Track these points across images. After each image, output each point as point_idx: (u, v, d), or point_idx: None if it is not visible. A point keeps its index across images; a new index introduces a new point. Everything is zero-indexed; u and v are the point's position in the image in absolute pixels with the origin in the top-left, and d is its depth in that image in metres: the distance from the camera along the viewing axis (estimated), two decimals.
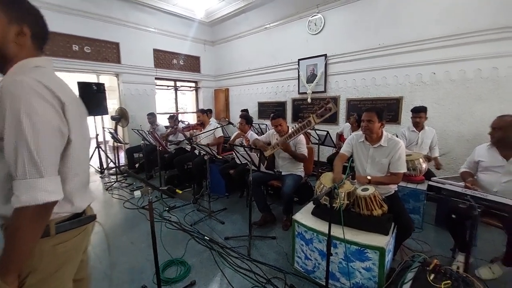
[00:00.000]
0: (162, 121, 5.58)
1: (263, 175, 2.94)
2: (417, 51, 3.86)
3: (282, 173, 2.94)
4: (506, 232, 1.81)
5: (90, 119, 4.96)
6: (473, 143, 3.24)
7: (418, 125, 3.17)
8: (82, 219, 0.93)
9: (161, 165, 3.94)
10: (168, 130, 4.80)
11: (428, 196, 2.71)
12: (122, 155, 5.66)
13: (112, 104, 6.38)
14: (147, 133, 4.10)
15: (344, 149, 2.31)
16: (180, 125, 4.90)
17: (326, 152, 4.73)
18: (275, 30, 5.81)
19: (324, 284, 1.59)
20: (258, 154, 2.56)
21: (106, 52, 5.37)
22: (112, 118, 5.06)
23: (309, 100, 5.30)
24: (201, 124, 4.09)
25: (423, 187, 2.73)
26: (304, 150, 2.84)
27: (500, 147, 1.96)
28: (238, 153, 2.79)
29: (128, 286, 1.93)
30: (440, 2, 3.58)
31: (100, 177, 4.82)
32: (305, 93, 5.32)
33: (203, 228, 2.79)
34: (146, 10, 5.69)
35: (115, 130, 5.01)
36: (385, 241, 1.66)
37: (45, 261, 0.81)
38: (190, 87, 7.45)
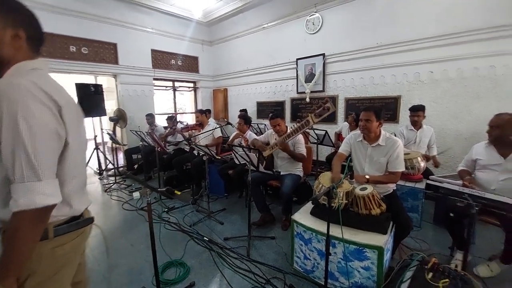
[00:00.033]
0: (161, 122, 5.57)
1: (262, 175, 2.93)
2: (415, 50, 3.86)
3: (281, 173, 2.94)
4: (504, 230, 1.82)
5: (88, 121, 4.98)
6: (471, 141, 3.24)
7: (416, 124, 3.17)
8: (80, 221, 0.93)
9: (160, 166, 3.94)
10: (167, 131, 4.79)
11: (426, 195, 2.72)
12: (120, 156, 5.65)
13: (110, 105, 6.37)
14: (145, 134, 4.09)
15: (343, 149, 2.31)
16: (179, 125, 4.89)
17: (325, 151, 4.73)
18: (273, 30, 5.81)
19: (323, 283, 1.59)
20: (257, 154, 2.56)
21: (104, 53, 5.36)
22: (111, 119, 5.05)
23: (307, 100, 5.30)
24: (200, 125, 4.09)
25: (421, 185, 2.73)
26: (302, 149, 2.84)
27: (497, 145, 1.97)
28: (237, 153, 2.79)
29: None
30: (438, 1, 3.58)
31: (99, 178, 4.81)
32: (304, 92, 5.32)
33: (202, 229, 2.79)
34: (144, 11, 5.68)
35: (114, 131, 5.00)
36: (384, 240, 1.66)
37: (44, 264, 0.81)
38: (189, 87, 7.44)
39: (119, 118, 5.03)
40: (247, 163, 2.53)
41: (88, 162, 4.72)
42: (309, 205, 2.16)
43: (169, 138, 4.69)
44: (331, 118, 4.90)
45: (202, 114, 4.16)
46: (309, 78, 5.22)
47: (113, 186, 4.31)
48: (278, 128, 2.87)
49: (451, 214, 1.94)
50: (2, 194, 0.77)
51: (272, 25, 5.76)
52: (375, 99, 4.42)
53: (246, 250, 2.31)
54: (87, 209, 1.02)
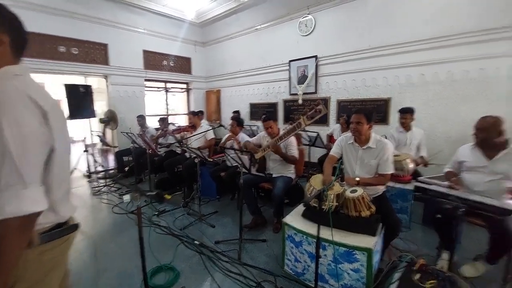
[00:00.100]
0: (153, 123, 5.51)
1: (254, 177, 2.93)
2: (406, 53, 3.93)
3: (273, 175, 2.94)
4: (489, 231, 1.86)
5: (77, 122, 4.89)
6: (460, 143, 3.29)
7: (404, 126, 3.23)
8: (65, 228, 0.93)
9: (151, 169, 3.89)
10: (158, 133, 4.73)
11: (415, 196, 2.76)
12: (111, 158, 5.55)
13: (101, 106, 6.27)
14: (136, 136, 4.04)
15: (334, 151, 2.33)
16: (171, 127, 4.84)
17: (317, 153, 4.75)
18: (266, 31, 5.83)
19: (314, 286, 1.59)
20: (249, 157, 2.56)
21: (94, 53, 5.28)
22: (101, 120, 4.96)
23: (300, 101, 5.33)
24: (192, 126, 4.06)
25: (410, 187, 2.77)
26: (294, 152, 2.85)
27: (483, 148, 2.01)
28: (229, 155, 2.78)
29: None
30: (428, 5, 3.66)
31: (88, 181, 4.71)
32: (296, 94, 5.35)
33: (193, 232, 2.76)
34: (135, 11, 5.62)
35: (104, 133, 4.91)
36: (373, 242, 1.68)
37: (31, 269, 0.81)
38: (181, 88, 7.39)
39: (110, 119, 4.95)
40: (239, 166, 2.52)
41: (76, 165, 4.63)
42: (300, 208, 2.17)
43: (161, 140, 4.64)
44: (323, 120, 4.94)
45: (195, 116, 4.14)
46: (302, 80, 5.25)
47: (103, 189, 4.22)
48: (270, 130, 2.87)
49: (438, 216, 1.98)
50: None
51: (265, 27, 5.78)
52: (366, 101, 4.48)
53: (237, 254, 2.30)
54: (72, 216, 1.00)
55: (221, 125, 4.42)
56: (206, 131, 3.87)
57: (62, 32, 4.72)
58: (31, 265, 0.81)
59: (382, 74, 4.25)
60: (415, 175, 2.92)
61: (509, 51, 3.17)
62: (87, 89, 4.69)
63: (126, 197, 3.07)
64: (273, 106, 5.92)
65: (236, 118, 3.68)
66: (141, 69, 6.01)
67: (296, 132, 2.54)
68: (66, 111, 4.29)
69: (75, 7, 4.77)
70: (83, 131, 4.87)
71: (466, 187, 2.03)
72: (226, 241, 2.55)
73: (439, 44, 3.63)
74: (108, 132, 5.42)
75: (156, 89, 6.78)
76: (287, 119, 5.63)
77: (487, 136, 1.91)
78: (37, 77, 7.06)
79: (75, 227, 0.99)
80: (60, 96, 4.72)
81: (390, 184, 2.72)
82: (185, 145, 3.52)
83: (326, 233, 1.64)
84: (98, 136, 4.66)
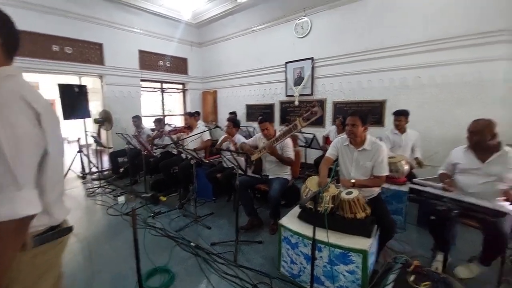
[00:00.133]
0: (149, 124, 5.46)
1: (250, 179, 2.93)
2: (401, 56, 3.98)
3: (269, 177, 2.94)
4: (482, 232, 1.88)
5: (71, 122, 4.83)
6: (456, 145, 3.35)
7: (398, 128, 3.26)
8: (59, 231, 0.93)
9: (146, 170, 3.85)
10: (154, 133, 4.70)
11: (410, 198, 2.78)
12: (105, 159, 5.49)
13: (95, 106, 6.20)
14: (131, 137, 4.00)
15: (330, 153, 2.34)
16: (167, 128, 4.81)
17: (313, 154, 4.77)
18: (262, 33, 5.84)
19: None
20: (245, 158, 2.55)
21: (89, 53, 5.22)
22: (96, 121, 4.90)
23: (296, 103, 5.35)
24: (189, 127, 4.04)
25: (405, 188, 2.80)
26: (290, 153, 2.85)
27: (476, 150, 2.03)
28: (225, 157, 2.78)
29: None
30: (424, 8, 3.72)
31: (82, 182, 4.65)
32: (293, 95, 5.37)
33: (189, 234, 2.74)
34: (131, 11, 5.58)
35: (98, 133, 4.86)
36: (368, 244, 1.69)
37: (24, 272, 0.81)
38: (177, 89, 7.36)
39: (105, 120, 4.89)
40: (235, 167, 2.51)
41: (70, 166, 4.57)
42: (296, 209, 2.16)
43: (157, 141, 4.60)
44: (319, 122, 4.97)
45: (191, 117, 4.11)
46: (298, 81, 5.27)
47: (97, 190, 4.17)
48: (266, 132, 2.88)
49: (433, 217, 1.99)
50: None
51: (262, 28, 5.80)
52: (362, 103, 4.51)
53: (233, 255, 2.29)
54: (65, 218, 1.00)
55: (217, 126, 4.40)
56: (202, 132, 3.85)
57: (55, 31, 4.66)
58: (24, 267, 0.81)
59: (378, 77, 4.29)
60: (410, 176, 2.94)
61: (505, 54, 3.23)
62: (82, 89, 4.63)
63: (121, 199, 3.03)
64: (270, 107, 5.92)
65: (233, 119, 3.67)
66: (136, 69, 5.97)
67: (292, 133, 2.54)
68: (60, 111, 4.25)
69: (69, 6, 4.72)
70: (78, 131, 4.79)
71: (460, 189, 2.06)
72: (222, 243, 2.53)
73: (434, 47, 3.68)
74: (103, 133, 5.36)
75: (152, 89, 6.73)
76: (283, 121, 5.65)
77: (481, 138, 1.93)
78: (30, 77, 6.98)
79: (68, 229, 0.99)
80: (54, 96, 4.65)
81: (385, 185, 2.74)
82: (181, 146, 3.50)
83: (322, 234, 1.64)
84: (93, 136, 4.60)
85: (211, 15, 6.10)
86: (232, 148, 3.37)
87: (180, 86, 7.37)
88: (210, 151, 4.08)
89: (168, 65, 6.72)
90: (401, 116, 3.22)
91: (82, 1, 4.87)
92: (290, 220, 2.05)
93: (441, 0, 3.57)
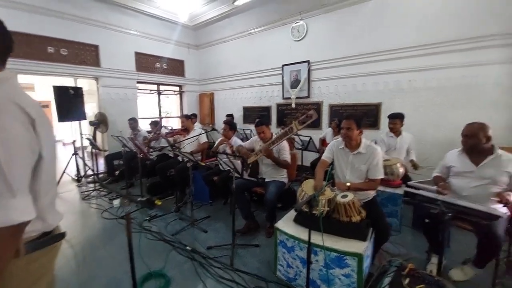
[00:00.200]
0: (145, 126, 5.44)
1: (247, 182, 2.93)
2: (396, 59, 4.02)
3: (266, 180, 2.94)
4: (476, 235, 1.91)
5: (66, 124, 4.78)
6: (449, 148, 3.39)
7: (393, 131, 3.29)
8: (52, 237, 0.92)
9: (142, 173, 3.83)
10: (150, 136, 4.68)
11: (405, 200, 2.80)
12: (101, 162, 5.45)
13: (91, 108, 6.16)
14: (127, 139, 3.98)
15: (325, 156, 2.35)
16: (163, 130, 4.79)
17: (310, 157, 4.79)
18: (259, 36, 5.87)
19: None
20: (241, 161, 2.55)
21: (85, 54, 5.19)
22: (91, 123, 4.87)
23: (293, 105, 5.37)
24: (185, 130, 4.03)
25: (400, 191, 2.82)
26: (287, 156, 2.86)
27: (469, 153, 2.05)
28: (222, 160, 2.77)
29: None
30: (418, 12, 3.76)
31: (77, 185, 4.61)
32: (289, 98, 5.39)
33: (185, 238, 2.73)
34: (128, 13, 5.57)
35: (94, 136, 4.82)
36: (363, 247, 1.69)
37: (18, 279, 0.81)
38: (174, 91, 7.34)
39: (100, 122, 4.87)
40: (232, 170, 2.51)
41: (65, 168, 4.53)
42: (292, 213, 2.17)
43: (153, 144, 4.58)
44: (316, 124, 4.99)
45: (188, 119, 4.11)
46: (295, 84, 5.30)
47: (92, 193, 4.14)
48: (263, 135, 2.88)
49: (427, 220, 2.01)
50: None
51: (259, 31, 5.82)
52: (357, 105, 4.55)
53: (230, 259, 2.28)
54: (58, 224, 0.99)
55: (214, 129, 4.40)
56: (199, 134, 3.85)
57: (51, 33, 4.63)
58: (18, 274, 0.80)
59: (372, 80, 4.33)
60: (405, 179, 2.98)
61: (498, 58, 3.28)
62: (77, 91, 4.61)
63: (116, 202, 3.02)
64: (267, 109, 5.94)
65: (229, 122, 3.67)
66: (133, 71, 5.95)
67: (288, 136, 2.55)
68: (55, 114, 4.21)
69: (64, 7, 4.69)
70: (73, 133, 4.76)
71: (454, 192, 2.08)
72: (218, 247, 2.53)
73: (427, 51, 3.73)
74: (99, 135, 5.32)
75: (148, 91, 6.71)
76: (280, 123, 5.67)
77: (476, 142, 1.93)
78: (25, 78, 6.92)
79: (61, 235, 0.98)
80: (49, 98, 4.61)
81: (381, 188, 2.76)
82: (177, 149, 3.48)
83: (317, 238, 1.64)
84: (88, 139, 4.57)
85: (208, 18, 6.11)
86: (228, 151, 3.37)
87: (177, 88, 7.35)
88: (207, 153, 4.07)
89: (165, 67, 6.70)
90: (396, 119, 3.25)
91: (78, 3, 4.85)
92: (286, 224, 2.06)
93: (435, 5, 3.62)
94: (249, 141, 3.29)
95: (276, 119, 5.79)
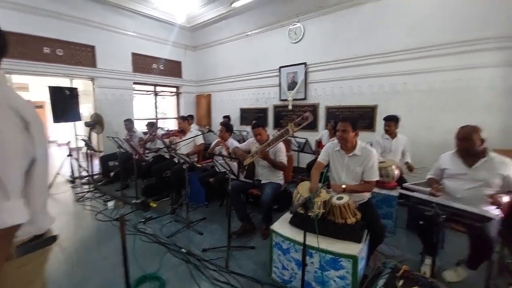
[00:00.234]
0: (142, 127, 5.41)
1: (243, 183, 2.93)
2: (390, 62, 4.07)
3: (262, 182, 2.94)
4: (469, 237, 1.92)
5: (61, 125, 4.74)
6: (443, 150, 3.42)
7: (388, 133, 3.32)
8: (43, 240, 0.91)
9: (138, 174, 3.80)
10: (146, 137, 4.65)
11: (400, 202, 2.82)
12: (96, 163, 5.40)
13: (87, 109, 6.12)
14: (123, 141, 3.95)
15: (321, 157, 2.36)
16: (159, 131, 4.77)
17: (306, 158, 4.81)
18: (256, 37, 5.89)
19: None
20: (237, 163, 2.55)
21: (81, 55, 5.16)
22: (86, 124, 4.83)
23: (290, 107, 5.38)
24: (182, 131, 4.01)
25: (395, 193, 2.84)
26: (283, 158, 2.86)
27: (463, 156, 2.07)
28: (218, 161, 2.77)
29: None
30: (412, 16, 3.82)
31: (71, 187, 4.56)
32: (286, 100, 5.40)
33: (180, 240, 2.71)
34: (125, 14, 5.55)
35: (89, 137, 4.78)
36: (358, 249, 1.70)
37: (9, 282, 0.80)
38: (171, 92, 7.32)
39: (96, 123, 4.83)
40: (227, 172, 2.51)
41: (59, 170, 4.48)
42: (288, 214, 2.17)
43: (149, 145, 4.56)
44: (312, 126, 5.00)
45: (184, 121, 4.09)
46: (292, 86, 5.32)
47: (86, 195, 4.09)
48: (259, 137, 2.88)
49: (421, 222, 2.03)
50: None
51: (256, 33, 5.84)
52: (353, 108, 4.58)
53: (225, 261, 2.27)
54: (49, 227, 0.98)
55: (210, 131, 4.39)
56: (195, 136, 3.84)
57: (47, 33, 4.60)
58: (9, 278, 0.80)
59: (368, 82, 4.36)
60: (400, 181, 3.00)
61: (492, 61, 3.33)
62: (73, 91, 4.57)
63: (111, 204, 2.99)
64: (264, 111, 5.95)
65: (225, 123, 3.66)
66: (129, 72, 5.92)
67: (284, 138, 2.56)
68: (50, 114, 4.17)
69: (61, 8, 4.67)
70: (68, 134, 4.72)
71: (448, 194, 2.10)
72: (213, 249, 2.51)
73: (420, 54, 3.79)
74: (94, 136, 5.28)
75: (145, 92, 6.68)
76: (277, 125, 5.67)
77: (471, 144, 1.94)
78: (19, 78, 6.85)
79: (53, 239, 0.97)
80: (44, 98, 4.57)
81: (376, 190, 2.78)
82: (173, 151, 3.47)
83: (313, 240, 1.65)
84: (83, 140, 4.53)
85: (205, 19, 6.11)
86: (224, 152, 3.37)
87: (174, 89, 7.33)
88: (203, 155, 4.06)
89: (162, 68, 6.69)
90: (391, 121, 3.28)
91: (74, 3, 4.82)
92: (282, 226, 2.06)
93: (429, 8, 3.67)
94: (245, 142, 3.29)
95: (273, 121, 5.80)
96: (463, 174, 2.04)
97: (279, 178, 2.98)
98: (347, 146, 2.18)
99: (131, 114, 5.89)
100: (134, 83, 6.11)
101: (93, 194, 4.15)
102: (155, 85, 6.77)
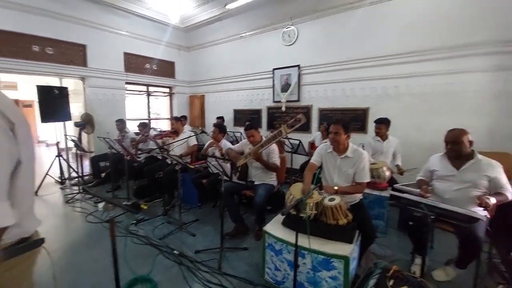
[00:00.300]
0: (134, 127, 5.34)
1: (236, 185, 2.92)
2: (382, 66, 4.14)
3: (255, 183, 2.94)
4: (458, 237, 1.97)
5: (50, 125, 4.64)
6: (432, 152, 3.49)
7: (379, 135, 3.38)
8: (30, 243, 0.90)
9: (129, 175, 3.75)
10: (138, 138, 4.59)
11: (390, 203, 2.87)
12: (86, 163, 5.30)
13: (77, 108, 6.01)
14: (114, 141, 3.89)
15: (314, 159, 2.38)
16: (152, 132, 4.72)
17: (299, 160, 4.83)
18: (250, 39, 5.90)
19: None
20: (231, 164, 2.55)
21: (72, 54, 5.07)
22: (76, 124, 4.74)
23: (283, 109, 5.41)
24: (175, 132, 3.98)
25: (387, 194, 2.88)
26: (276, 159, 2.87)
27: (451, 158, 2.12)
28: (211, 163, 2.76)
29: None
30: (403, 21, 3.90)
31: (60, 188, 4.46)
32: (280, 101, 5.43)
33: (173, 242, 2.68)
34: (118, 13, 5.49)
35: (79, 137, 4.69)
36: (349, 249, 1.72)
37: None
38: (164, 92, 7.26)
39: (86, 123, 4.74)
40: (220, 173, 2.50)
41: (48, 170, 4.38)
42: (281, 216, 2.17)
43: (141, 146, 4.50)
44: (305, 128, 5.04)
45: (178, 121, 4.06)
46: (285, 88, 5.35)
47: (76, 196, 4.01)
48: (252, 139, 2.88)
49: (411, 223, 2.06)
50: None
51: (250, 35, 5.86)
52: (346, 110, 4.64)
53: (218, 263, 2.26)
54: (36, 230, 0.97)
55: (203, 132, 4.37)
56: (189, 137, 3.82)
57: (36, 31, 4.50)
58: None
59: (360, 85, 4.43)
60: (391, 182, 3.05)
61: (480, 66, 3.42)
62: (62, 91, 4.48)
63: (101, 205, 2.93)
64: (257, 112, 5.96)
65: (219, 125, 3.65)
66: (121, 71, 5.85)
67: (277, 140, 2.57)
68: (38, 114, 4.07)
69: (51, 6, 4.57)
70: (57, 134, 4.61)
71: (437, 195, 2.15)
72: (206, 250, 2.50)
73: (410, 59, 3.87)
74: (84, 136, 5.18)
75: (137, 92, 6.61)
76: (270, 126, 5.69)
77: (461, 147, 1.99)
78: (7, 77, 6.67)
79: (40, 241, 0.95)
80: (32, 97, 4.46)
81: (368, 191, 2.81)
82: (165, 152, 3.43)
83: (305, 241, 1.66)
84: (73, 140, 4.43)
85: (199, 20, 6.10)
86: (217, 153, 3.36)
87: (167, 90, 7.28)
88: (197, 156, 4.04)
89: (155, 68, 6.63)
90: (382, 124, 3.34)
91: (65, 1, 4.73)
92: (274, 227, 2.06)
93: (421, 14, 3.76)
94: (239, 144, 3.29)
95: (267, 122, 5.82)
96: (452, 176, 2.09)
97: (272, 179, 2.99)
98: (339, 148, 2.20)
99: (123, 114, 5.82)
100: (127, 83, 6.03)
101: (83, 195, 4.06)
102: (148, 85, 6.71)
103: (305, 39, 5.02)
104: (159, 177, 3.79)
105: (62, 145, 4.73)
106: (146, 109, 6.88)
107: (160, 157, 4.25)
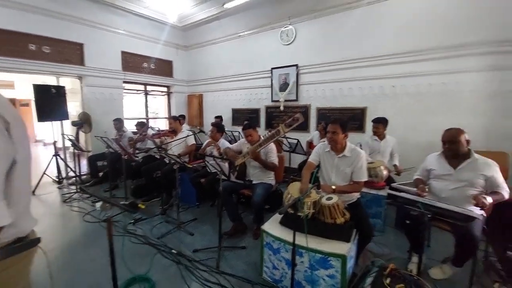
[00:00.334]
0: (132, 126, 5.32)
1: (234, 184, 2.93)
2: (380, 65, 4.15)
3: (253, 182, 2.95)
4: (454, 235, 1.98)
5: (48, 124, 4.62)
6: (429, 151, 3.52)
7: (377, 134, 3.39)
8: (26, 243, 0.89)
9: (127, 175, 3.74)
10: (136, 137, 4.58)
11: (387, 202, 2.88)
12: (84, 163, 5.27)
13: (74, 107, 5.98)
14: (111, 140, 3.88)
15: (312, 158, 2.39)
16: (150, 131, 4.71)
17: (297, 159, 4.84)
18: (249, 39, 5.90)
19: None
20: (229, 163, 2.55)
21: (69, 53, 5.04)
22: (73, 123, 4.71)
23: (281, 108, 5.42)
24: (173, 131, 3.97)
25: (384, 193, 2.89)
26: (274, 159, 2.87)
27: (448, 157, 2.14)
28: (209, 162, 2.76)
29: None
30: (399, 21, 3.91)
31: (58, 187, 4.43)
32: (278, 101, 5.43)
33: (171, 241, 2.68)
34: (115, 11, 5.45)
35: (77, 136, 4.67)
36: (347, 248, 1.73)
37: None
38: (162, 91, 7.24)
39: (84, 122, 4.72)
40: (218, 173, 2.50)
41: (46, 170, 4.36)
42: (279, 215, 2.17)
43: (139, 145, 4.49)
44: (303, 127, 5.05)
45: (176, 121, 4.05)
46: (283, 87, 5.35)
47: (74, 196, 4.00)
48: (250, 138, 2.89)
49: (407, 221, 2.08)
50: None
51: (248, 34, 5.85)
52: (344, 109, 4.65)
53: (216, 262, 2.26)
54: (32, 229, 0.97)
55: (201, 131, 4.36)
56: (187, 136, 3.81)
57: (33, 30, 4.46)
58: None
59: (358, 85, 4.44)
60: (389, 181, 3.06)
61: (476, 66, 3.44)
62: (59, 90, 4.45)
63: (99, 204, 2.92)
64: (256, 112, 5.96)
65: (217, 124, 3.65)
66: (119, 70, 5.82)
67: (275, 139, 2.58)
68: (35, 113, 4.05)
69: (48, 4, 4.54)
70: (54, 133, 4.59)
71: (434, 194, 2.16)
72: (204, 250, 2.50)
73: (407, 59, 3.89)
74: (82, 136, 5.16)
75: (135, 91, 6.58)
76: (268, 125, 5.70)
77: (459, 146, 2.00)
78: (4, 76, 6.62)
79: (37, 241, 0.95)
80: (29, 96, 4.43)
81: (365, 190, 2.83)
82: (163, 151, 3.43)
83: (303, 240, 1.66)
84: (70, 140, 4.41)
85: (197, 19, 6.08)
86: (216, 153, 3.35)
87: (165, 89, 7.25)
88: (195, 155, 4.03)
89: (153, 67, 6.60)
90: (379, 123, 3.35)
91: (62, 0, 4.69)
92: (272, 226, 2.07)
93: (418, 14, 3.77)
94: (237, 143, 3.29)
95: (265, 122, 5.82)
96: (448, 175, 2.10)
97: (270, 178, 2.99)
98: (337, 148, 2.21)
99: (121, 113, 5.79)
100: (124, 82, 6.00)
101: (80, 194, 4.05)
102: (146, 84, 6.68)
103: (303, 39, 5.02)
104: (157, 176, 3.79)
105: (59, 144, 4.71)
106: (144, 108, 6.86)
107: (158, 157, 4.23)
